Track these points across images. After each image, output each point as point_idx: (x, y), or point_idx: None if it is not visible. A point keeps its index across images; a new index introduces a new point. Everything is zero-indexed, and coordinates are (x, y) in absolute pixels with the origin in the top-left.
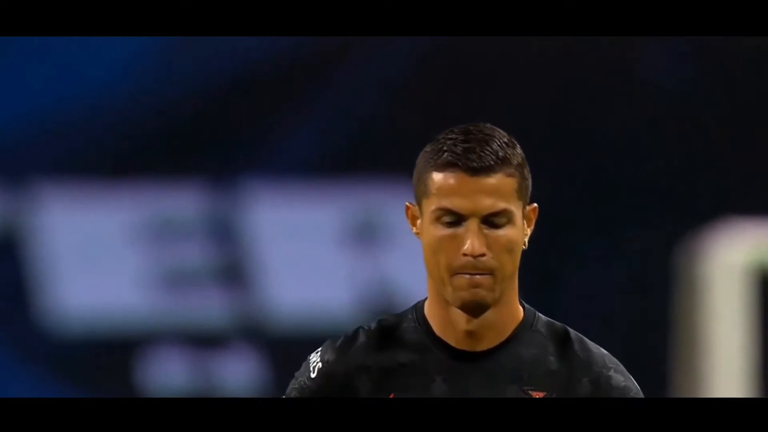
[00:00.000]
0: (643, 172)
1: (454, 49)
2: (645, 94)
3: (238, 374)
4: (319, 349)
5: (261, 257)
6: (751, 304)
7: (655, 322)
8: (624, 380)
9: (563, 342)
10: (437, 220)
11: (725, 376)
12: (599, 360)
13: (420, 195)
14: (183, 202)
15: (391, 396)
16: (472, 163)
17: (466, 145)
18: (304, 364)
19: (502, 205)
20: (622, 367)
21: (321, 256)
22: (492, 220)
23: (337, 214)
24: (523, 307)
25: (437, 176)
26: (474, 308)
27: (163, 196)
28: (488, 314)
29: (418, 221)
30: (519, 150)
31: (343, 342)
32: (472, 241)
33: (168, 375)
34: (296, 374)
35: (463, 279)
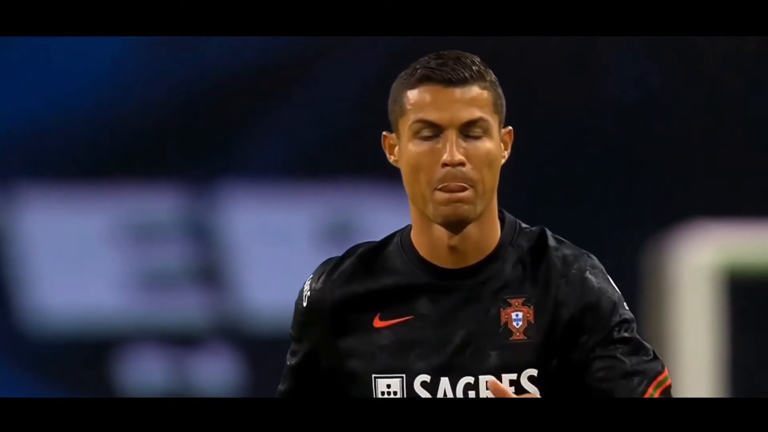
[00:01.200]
0: (611, 174)
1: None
2: (612, 95)
3: (215, 374)
4: (311, 275)
5: (237, 259)
6: (719, 305)
7: None
8: (598, 282)
9: (542, 248)
10: (415, 135)
11: (693, 376)
12: (575, 261)
13: (396, 117)
14: (161, 205)
15: (377, 317)
16: (446, 75)
17: (439, 61)
18: (299, 292)
19: (478, 113)
20: (600, 269)
21: (296, 257)
22: (469, 131)
23: (312, 216)
24: (504, 221)
25: (412, 93)
26: (456, 223)
27: (141, 198)
28: (470, 230)
29: (396, 149)
30: (492, 73)
31: (330, 269)
32: (450, 149)
33: (146, 375)
34: (295, 303)
35: (444, 195)
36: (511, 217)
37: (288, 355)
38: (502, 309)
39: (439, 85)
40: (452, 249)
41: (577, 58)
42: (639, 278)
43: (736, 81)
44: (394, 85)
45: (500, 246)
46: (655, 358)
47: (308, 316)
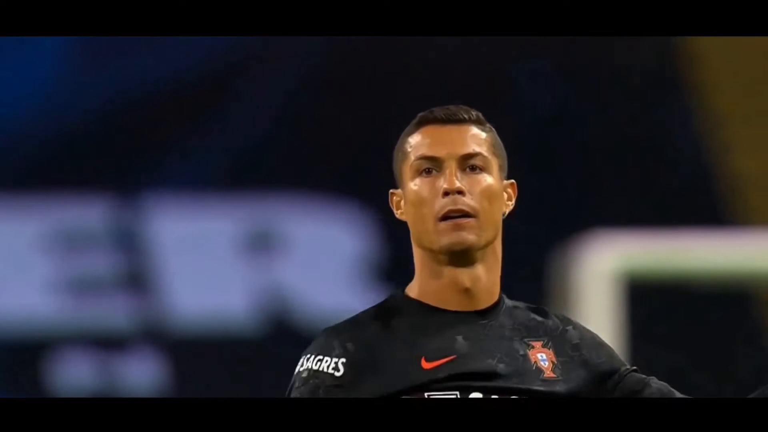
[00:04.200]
0: (519, 184)
1: (349, 62)
2: (522, 107)
3: (141, 375)
4: (313, 357)
5: (162, 266)
6: (619, 309)
7: None
8: (585, 329)
9: (539, 307)
10: (417, 172)
11: None
12: (570, 318)
13: (399, 165)
14: (89, 214)
15: (423, 359)
16: (444, 115)
17: (438, 107)
18: (309, 383)
19: (476, 148)
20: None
21: (219, 264)
22: (469, 164)
23: (234, 225)
24: None
25: (412, 137)
26: (462, 253)
27: (70, 207)
28: (479, 271)
29: (401, 203)
30: (491, 126)
31: (354, 334)
32: (449, 178)
33: (75, 376)
34: (301, 388)
35: (447, 223)
36: None
37: None
38: (528, 351)
39: (437, 125)
40: (465, 292)
41: (490, 70)
42: (544, 283)
43: (639, 96)
44: (397, 143)
45: (502, 297)
46: None
47: (351, 380)
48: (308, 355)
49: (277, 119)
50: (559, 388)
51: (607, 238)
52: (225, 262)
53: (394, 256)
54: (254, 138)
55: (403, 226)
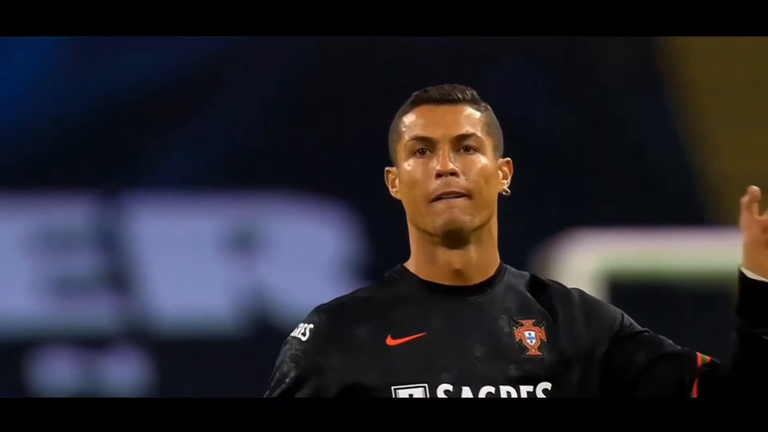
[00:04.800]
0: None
1: (332, 63)
2: (497, 114)
3: (123, 375)
4: (298, 326)
5: (145, 266)
6: None
7: None
8: (596, 300)
9: (539, 281)
10: (411, 153)
11: None
12: (572, 290)
13: (394, 145)
14: (72, 214)
15: (389, 337)
16: (438, 95)
17: (433, 87)
18: (283, 348)
19: (470, 129)
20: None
21: (201, 264)
22: (462, 145)
23: (217, 225)
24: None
25: (407, 117)
26: (454, 232)
27: (54, 208)
28: (471, 252)
29: (396, 181)
30: (487, 105)
31: (331, 307)
32: (443, 160)
33: (58, 376)
34: (280, 360)
35: (440, 204)
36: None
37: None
38: (515, 328)
39: (431, 105)
40: (457, 272)
41: (458, 74)
42: None
43: (619, 96)
44: (393, 121)
45: (499, 271)
46: None
47: (313, 347)
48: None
49: (260, 120)
50: (539, 367)
51: (588, 238)
52: (207, 261)
53: (376, 255)
54: (237, 138)
55: (385, 226)
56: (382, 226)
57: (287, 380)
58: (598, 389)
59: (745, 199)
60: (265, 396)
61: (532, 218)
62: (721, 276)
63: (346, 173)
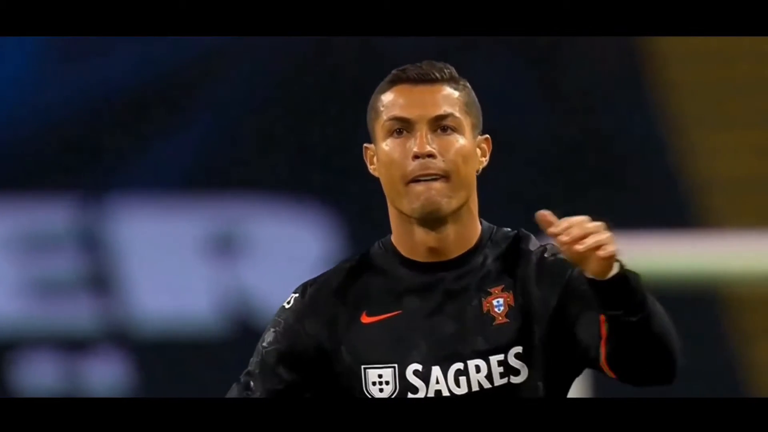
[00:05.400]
0: (484, 194)
1: (312, 64)
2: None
3: (105, 376)
4: (287, 300)
5: (126, 267)
6: None
7: None
8: (558, 252)
9: (517, 242)
10: (388, 133)
11: None
12: (549, 248)
13: (372, 124)
14: (52, 216)
15: (364, 314)
16: (416, 74)
17: (411, 65)
18: (268, 326)
19: (448, 109)
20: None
21: (183, 266)
22: (440, 126)
23: (198, 227)
24: (482, 225)
25: (385, 95)
26: (431, 215)
27: (34, 209)
28: (448, 230)
29: (375, 158)
30: (465, 81)
31: (312, 280)
32: (420, 141)
33: (39, 377)
34: (266, 328)
35: (417, 186)
36: (487, 223)
37: (255, 365)
38: (483, 299)
39: (409, 84)
40: (432, 250)
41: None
42: None
43: (601, 98)
44: (372, 98)
45: (479, 243)
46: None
47: (297, 315)
48: None
49: (241, 121)
50: (507, 334)
51: None
52: (189, 263)
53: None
54: (218, 140)
55: (366, 227)
56: (363, 228)
57: (265, 343)
58: (563, 343)
59: (549, 229)
60: (250, 362)
61: (511, 221)
62: (707, 278)
63: (327, 175)
